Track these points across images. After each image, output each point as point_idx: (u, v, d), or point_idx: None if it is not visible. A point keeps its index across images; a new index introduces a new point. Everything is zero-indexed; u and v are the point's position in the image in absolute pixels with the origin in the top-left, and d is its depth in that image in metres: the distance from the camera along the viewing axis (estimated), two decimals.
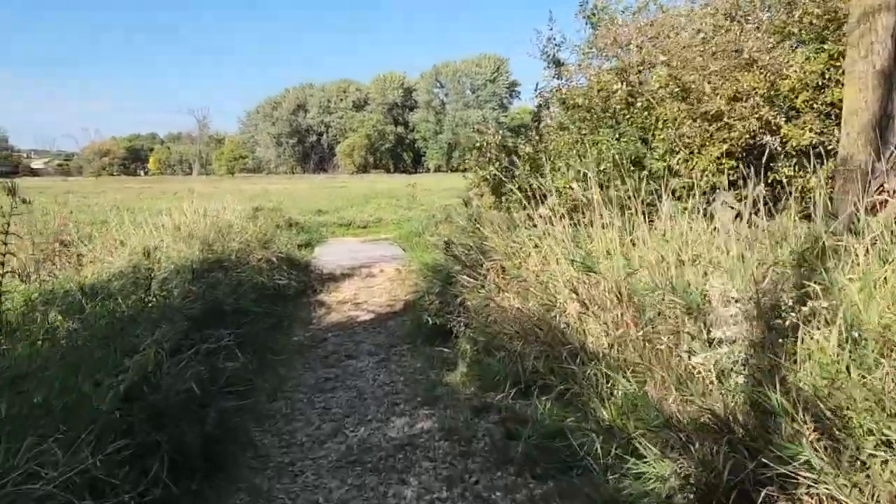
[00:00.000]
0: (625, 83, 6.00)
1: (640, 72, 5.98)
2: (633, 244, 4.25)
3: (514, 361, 4.25)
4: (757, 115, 5.15)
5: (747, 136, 5.20)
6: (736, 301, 2.96)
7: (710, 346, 2.99)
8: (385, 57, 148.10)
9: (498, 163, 6.99)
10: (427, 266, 8.07)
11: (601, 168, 5.73)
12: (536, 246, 4.88)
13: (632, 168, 5.82)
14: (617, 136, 5.96)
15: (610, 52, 6.12)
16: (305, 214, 18.65)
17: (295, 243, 11.69)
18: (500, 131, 7.47)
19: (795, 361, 2.61)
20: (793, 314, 2.72)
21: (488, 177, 6.97)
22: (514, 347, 4.31)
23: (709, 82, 5.40)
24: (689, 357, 3.02)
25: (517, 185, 6.75)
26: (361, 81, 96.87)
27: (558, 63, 7.10)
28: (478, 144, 7.32)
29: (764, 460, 2.27)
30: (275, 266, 7.76)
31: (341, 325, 6.99)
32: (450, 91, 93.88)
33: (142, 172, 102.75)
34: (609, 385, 3.25)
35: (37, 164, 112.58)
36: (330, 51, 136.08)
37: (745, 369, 2.79)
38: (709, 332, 3.04)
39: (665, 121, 5.80)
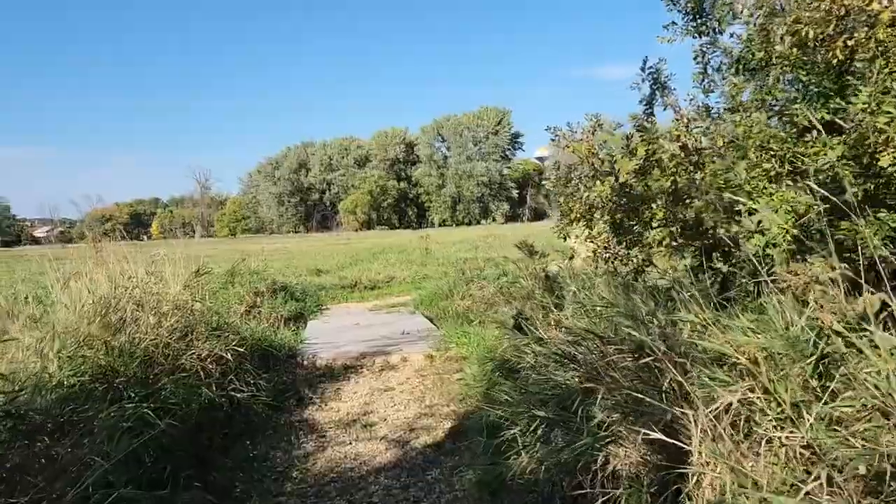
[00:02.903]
0: None
1: None
2: None
3: None
4: None
5: None
6: None
7: None
8: (386, 112, 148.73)
9: (615, 179, 3.97)
10: (490, 359, 4.93)
11: None
12: None
13: None
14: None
15: None
16: (301, 275, 15.61)
17: (281, 316, 8.57)
18: (598, 130, 4.47)
19: None
20: None
21: (604, 200, 3.91)
22: None
23: None
24: None
25: (662, 215, 3.69)
26: (363, 137, 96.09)
27: None
28: (577, 150, 4.30)
29: None
30: (230, 367, 4.61)
31: (343, 477, 3.80)
32: (452, 144, 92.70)
33: (144, 237, 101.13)
34: None
35: (39, 232, 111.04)
36: (332, 108, 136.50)
37: None
38: None
39: None
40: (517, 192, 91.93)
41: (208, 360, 4.54)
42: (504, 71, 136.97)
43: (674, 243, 3.71)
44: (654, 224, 3.85)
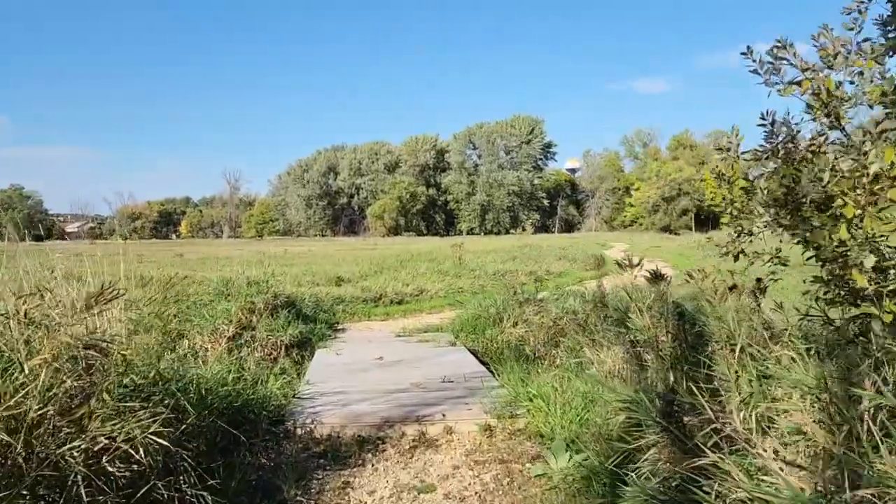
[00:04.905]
0: None
1: None
2: None
3: None
4: None
5: None
6: None
7: None
8: (416, 118, 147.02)
9: None
10: (603, 467, 2.79)
11: None
12: None
13: None
14: None
15: None
16: (319, 284, 13.66)
17: (281, 343, 6.57)
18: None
19: None
20: None
21: None
22: None
23: None
24: None
25: None
26: (393, 142, 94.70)
27: None
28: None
29: None
30: (152, 463, 2.56)
31: None
32: (483, 152, 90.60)
33: (173, 236, 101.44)
34: None
35: (71, 228, 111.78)
36: (362, 112, 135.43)
37: None
38: None
39: None
40: (548, 202, 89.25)
41: (107, 456, 2.51)
42: (536, 81, 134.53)
43: None
44: None
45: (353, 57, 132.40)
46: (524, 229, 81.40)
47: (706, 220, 74.18)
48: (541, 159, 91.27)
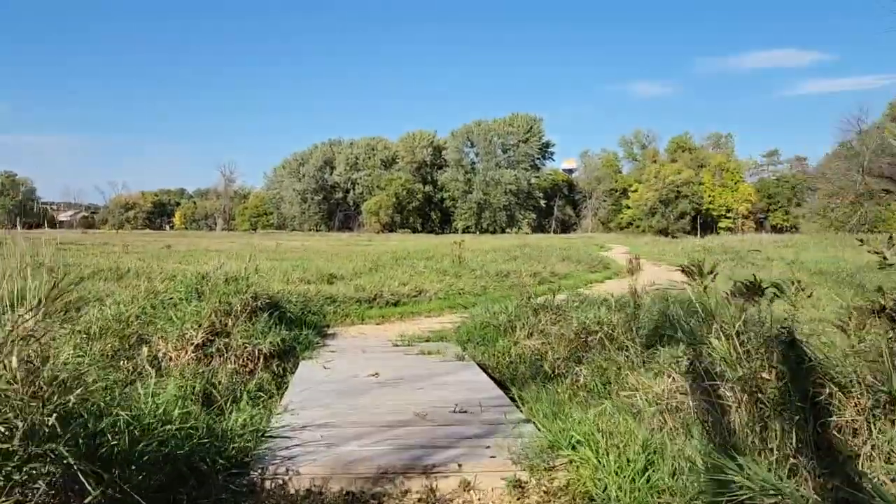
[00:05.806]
0: None
1: None
2: None
3: None
4: None
5: None
6: None
7: None
8: (414, 115, 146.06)
9: None
10: None
11: None
12: None
13: None
14: None
15: None
16: (310, 281, 12.65)
17: (259, 352, 5.59)
18: None
19: None
20: None
21: None
22: None
23: None
24: None
25: None
26: (390, 139, 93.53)
27: None
28: None
29: None
30: None
31: None
32: (480, 150, 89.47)
33: (167, 227, 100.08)
34: None
35: (63, 216, 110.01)
36: (360, 108, 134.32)
37: None
38: None
39: None
40: (545, 202, 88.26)
41: None
42: (534, 81, 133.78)
43: None
44: None
45: (353, 52, 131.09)
46: (520, 229, 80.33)
47: (705, 223, 73.47)
48: (538, 158, 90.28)
